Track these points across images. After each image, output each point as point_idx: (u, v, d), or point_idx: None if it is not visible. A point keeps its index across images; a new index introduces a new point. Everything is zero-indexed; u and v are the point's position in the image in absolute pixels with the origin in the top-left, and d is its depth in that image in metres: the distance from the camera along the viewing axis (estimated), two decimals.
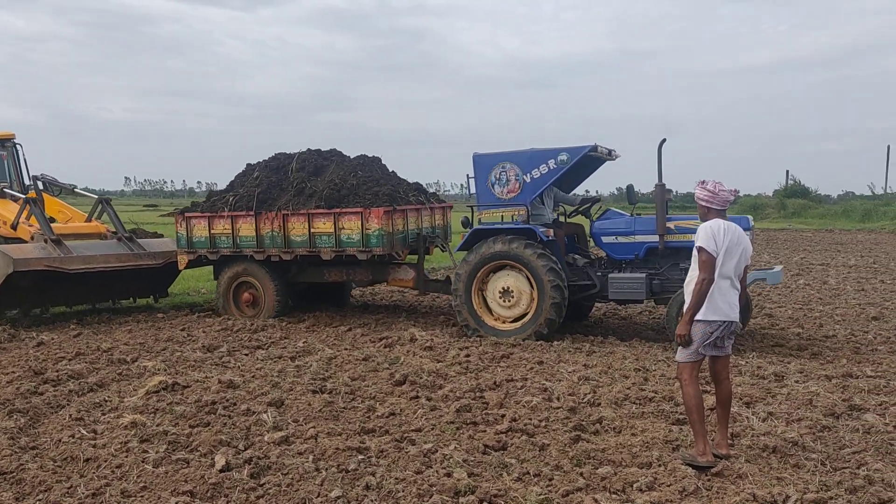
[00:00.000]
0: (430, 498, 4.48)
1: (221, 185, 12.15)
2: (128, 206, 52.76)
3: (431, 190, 12.87)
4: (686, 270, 8.45)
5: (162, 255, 11.87)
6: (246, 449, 5.33)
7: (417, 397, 6.71)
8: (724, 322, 5.03)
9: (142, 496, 4.55)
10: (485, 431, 5.76)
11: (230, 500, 4.50)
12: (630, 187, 10.34)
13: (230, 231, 10.90)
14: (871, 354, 8.57)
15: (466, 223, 10.06)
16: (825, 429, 5.77)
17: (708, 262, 4.92)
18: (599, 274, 9.46)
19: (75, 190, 13.78)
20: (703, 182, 5.22)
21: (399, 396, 6.78)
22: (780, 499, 4.43)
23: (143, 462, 5.08)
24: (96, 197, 13.02)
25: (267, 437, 5.59)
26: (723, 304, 5.01)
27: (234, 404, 6.46)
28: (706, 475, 4.81)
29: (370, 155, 11.61)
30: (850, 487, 4.61)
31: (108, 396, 6.82)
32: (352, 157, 11.44)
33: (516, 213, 9.61)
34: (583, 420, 6.00)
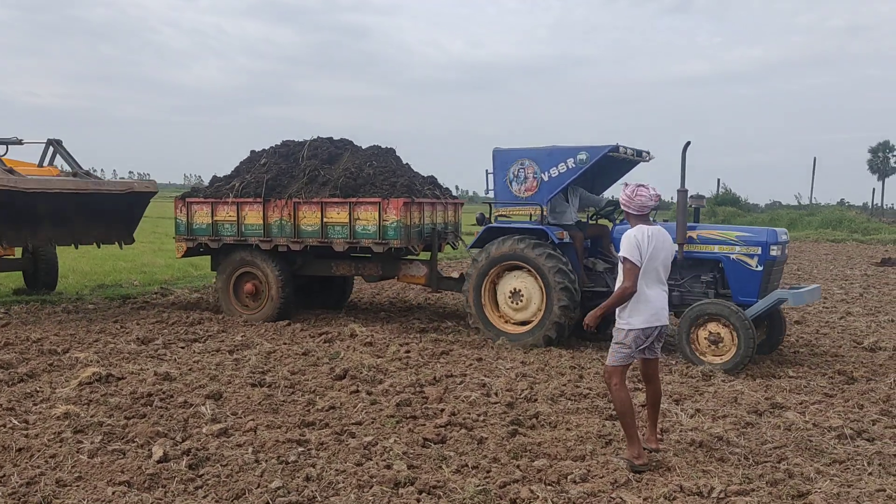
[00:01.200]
0: (370, 489, 4.54)
1: (157, 177, 11.74)
2: None
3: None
4: (707, 284, 8.58)
5: (123, 184, 11.21)
6: (184, 440, 5.29)
7: (358, 391, 6.76)
8: (655, 328, 5.15)
9: (77, 486, 4.48)
10: (424, 425, 5.84)
11: (168, 491, 4.47)
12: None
13: (235, 218, 10.39)
14: (792, 357, 8.96)
15: (482, 220, 9.72)
16: (749, 425, 6.04)
17: (632, 272, 4.98)
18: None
19: (23, 142, 12.27)
20: (625, 186, 5.25)
21: (339, 391, 6.81)
22: (706, 490, 4.64)
23: (77, 452, 4.99)
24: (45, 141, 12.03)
25: (205, 429, 5.55)
26: (653, 311, 5.11)
27: (171, 396, 6.39)
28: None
29: (383, 146, 11.17)
30: (771, 480, 4.85)
31: (40, 387, 6.66)
32: (364, 147, 11.06)
33: (532, 212, 9.43)
34: (520, 415, 6.14)
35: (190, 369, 7.40)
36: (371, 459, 5.07)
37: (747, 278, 8.29)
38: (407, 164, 11.17)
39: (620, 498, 4.47)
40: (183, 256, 11.11)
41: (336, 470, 4.84)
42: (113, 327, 9.59)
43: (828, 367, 8.30)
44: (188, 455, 4.96)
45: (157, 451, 4.94)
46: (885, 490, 4.70)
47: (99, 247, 11.94)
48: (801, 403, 6.72)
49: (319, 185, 10.13)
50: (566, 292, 8.73)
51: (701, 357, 8.01)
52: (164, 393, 6.46)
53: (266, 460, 4.96)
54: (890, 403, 6.76)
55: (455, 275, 11.28)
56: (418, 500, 4.41)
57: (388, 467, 4.88)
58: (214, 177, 11.21)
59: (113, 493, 4.33)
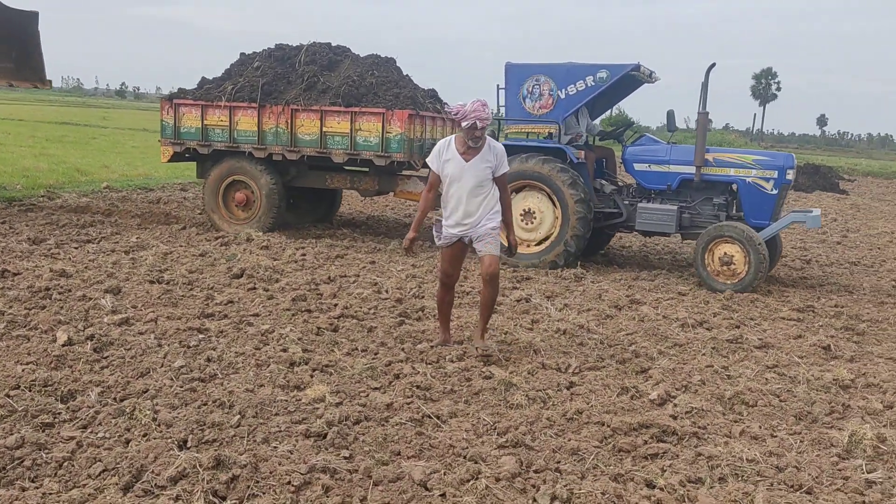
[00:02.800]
0: (268, 367, 5.00)
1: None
2: None
3: None
4: (719, 206, 8.66)
5: None
6: (86, 328, 5.55)
7: (255, 288, 7.13)
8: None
9: None
10: (318, 317, 6.30)
11: (74, 370, 4.77)
12: (671, 113, 9.34)
13: (227, 123, 9.95)
14: (657, 263, 9.92)
15: (493, 137, 9.40)
16: (608, 317, 6.85)
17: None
18: (627, 202, 9.03)
19: None
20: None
21: (237, 288, 7.15)
22: (564, 367, 5.36)
23: None
24: None
25: (106, 319, 5.82)
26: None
27: (69, 291, 6.57)
28: (507, 347, 5.66)
29: (383, 55, 10.75)
30: (620, 359, 5.63)
31: None
32: (362, 55, 10.69)
33: (546, 130, 9.09)
34: (407, 309, 6.71)
35: (86, 267, 7.54)
36: (268, 344, 5.51)
37: (762, 201, 8.43)
38: (407, 75, 10.85)
39: (490, 372, 5.12)
40: (169, 161, 10.63)
41: (235, 352, 5.26)
42: (1, 228, 9.47)
43: (684, 270, 9.28)
44: (92, 340, 5.25)
45: (62, 337, 5.20)
46: (712, 366, 5.56)
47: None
48: (656, 300, 7.60)
49: (319, 93, 9.83)
50: (583, 222, 8.70)
51: (714, 277, 8.20)
52: (61, 287, 6.62)
53: (168, 345, 5.32)
54: (732, 301, 7.73)
55: None
56: (311, 376, 4.90)
57: (284, 350, 5.34)
58: (203, 78, 10.73)
59: (22, 370, 4.60)
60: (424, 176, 9.84)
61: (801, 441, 4.35)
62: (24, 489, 3.34)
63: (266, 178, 10.02)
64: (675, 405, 4.76)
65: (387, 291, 7.27)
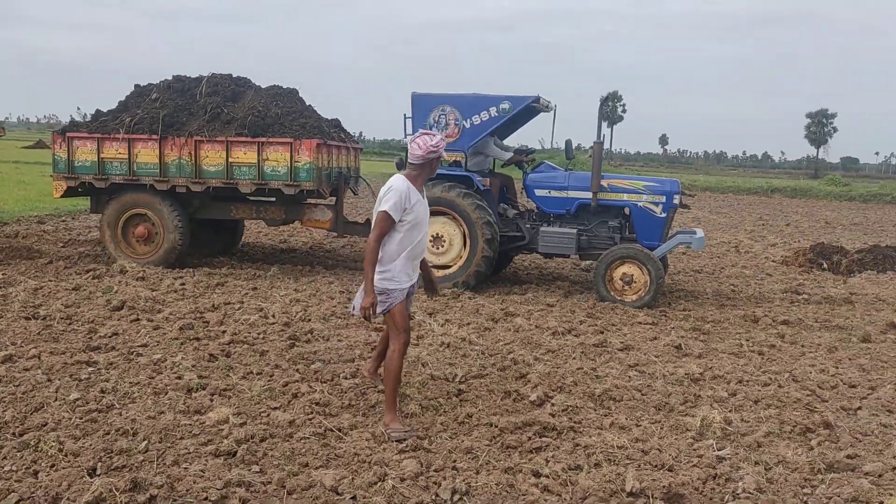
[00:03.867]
0: (166, 395, 5.10)
1: None
2: None
3: None
4: (614, 229, 9.16)
5: None
6: None
7: (138, 320, 7.11)
8: None
9: None
10: (208, 344, 6.39)
11: None
12: (568, 142, 9.93)
13: (126, 156, 9.63)
14: (526, 278, 10.59)
15: (401, 165, 9.37)
16: (487, 329, 7.35)
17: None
18: (528, 226, 9.46)
19: None
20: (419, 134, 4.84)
21: (118, 320, 7.09)
22: (451, 377, 5.78)
23: None
24: None
25: None
26: None
27: None
28: None
29: (284, 86, 10.72)
30: (501, 367, 6.11)
31: None
32: (264, 86, 10.62)
33: (453, 158, 9.37)
34: (296, 332, 6.91)
35: None
36: (161, 373, 5.58)
37: (652, 224, 9.06)
38: (310, 105, 10.88)
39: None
40: (62, 196, 10.18)
41: (129, 382, 5.31)
42: None
43: (551, 283, 9.99)
44: None
45: None
46: (582, 368, 6.15)
47: None
48: (528, 312, 8.19)
49: (223, 124, 9.72)
50: (490, 244, 9.06)
51: (617, 296, 8.70)
52: None
53: (59, 379, 5.30)
54: (595, 310, 8.44)
55: (361, 220, 11.18)
56: (211, 400, 5.05)
57: (179, 378, 5.45)
58: (98, 111, 10.36)
59: None
60: (329, 204, 10.16)
61: (661, 428, 4.96)
62: None
63: (168, 211, 9.84)
64: (553, 404, 5.27)
65: (273, 316, 7.43)
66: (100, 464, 3.97)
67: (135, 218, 10.01)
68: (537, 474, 4.15)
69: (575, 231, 9.17)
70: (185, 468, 3.99)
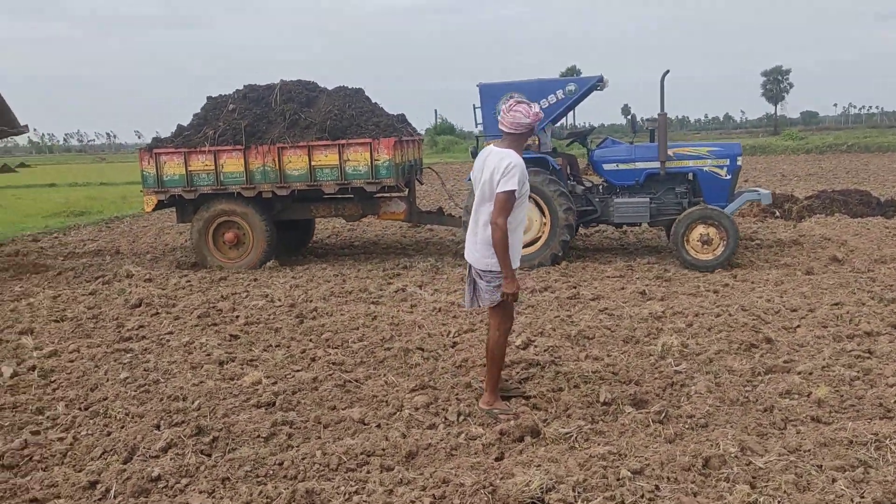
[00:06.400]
0: (203, 368, 5.87)
1: None
2: None
3: None
4: (681, 195, 9.69)
5: None
6: (23, 362, 6.14)
7: (158, 314, 7.84)
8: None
9: None
10: (226, 327, 7.17)
11: (29, 396, 5.42)
12: (633, 116, 10.19)
13: (213, 167, 10.14)
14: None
15: (475, 154, 9.60)
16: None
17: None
18: (598, 200, 9.97)
19: None
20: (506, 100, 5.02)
21: (140, 315, 7.83)
22: (446, 333, 6.60)
23: None
24: None
25: (36, 354, 6.41)
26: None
27: None
28: (397, 327, 6.84)
29: (350, 87, 11.18)
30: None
31: None
32: (330, 88, 11.05)
33: (527, 142, 10.01)
34: (302, 311, 7.69)
35: None
36: (193, 353, 6.35)
37: (719, 186, 9.61)
38: (376, 103, 11.28)
39: (399, 348, 6.22)
40: (153, 210, 10.72)
41: (168, 361, 6.08)
42: None
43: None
44: (34, 370, 5.89)
45: (7, 371, 5.81)
46: (559, 316, 7.00)
47: None
48: None
49: (302, 129, 10.17)
50: (569, 228, 9.56)
51: (696, 256, 9.12)
52: None
53: (105, 364, 6.05)
54: (567, 269, 9.30)
55: (434, 209, 11.79)
56: (243, 370, 5.83)
57: (209, 354, 6.22)
58: (179, 125, 10.86)
59: None
60: (403, 196, 10.66)
61: (628, 355, 5.84)
62: (40, 477, 4.11)
63: (256, 216, 10.36)
64: (536, 346, 6.14)
65: (279, 300, 8.21)
66: (162, 421, 4.75)
67: (223, 225, 10.55)
68: (527, 397, 5.01)
69: (647, 199, 9.68)
70: (236, 417, 4.79)
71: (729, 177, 9.70)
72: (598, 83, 9.88)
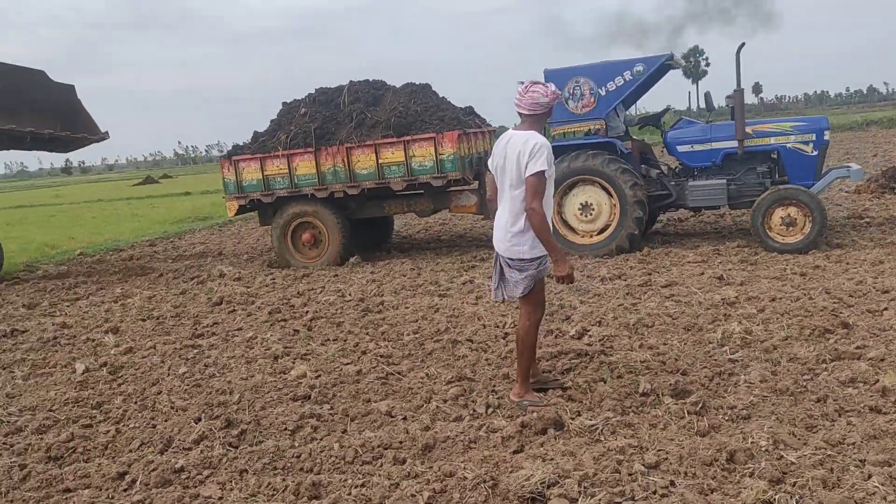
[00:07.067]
0: (256, 362, 6.02)
1: None
2: None
3: None
4: (763, 174, 9.11)
5: None
6: (98, 359, 6.53)
7: (234, 311, 8.14)
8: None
9: (20, 398, 5.68)
10: (293, 322, 7.34)
11: (96, 391, 5.74)
12: (708, 94, 9.75)
13: (286, 170, 10.49)
14: None
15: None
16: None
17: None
18: (673, 183, 9.55)
19: None
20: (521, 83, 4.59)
21: (218, 313, 8.15)
22: (501, 324, 6.45)
23: (12, 380, 6.15)
24: None
25: (113, 351, 6.80)
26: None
27: (74, 337, 7.53)
28: (455, 315, 6.76)
29: (417, 83, 11.38)
30: (549, 312, 6.73)
31: None
32: (398, 86, 11.28)
33: (592, 127, 9.50)
34: (369, 305, 7.76)
35: (83, 318, 8.48)
36: (253, 348, 6.53)
37: (805, 163, 8.93)
38: (443, 97, 11.37)
39: (448, 340, 6.16)
40: (236, 215, 11.22)
41: (227, 357, 6.28)
42: None
43: None
44: (105, 367, 6.24)
45: (80, 368, 6.19)
46: (622, 304, 6.71)
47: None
48: (582, 265, 8.75)
49: (369, 128, 10.33)
50: (640, 204, 9.12)
51: (777, 239, 8.55)
52: (67, 335, 7.58)
53: (170, 360, 6.33)
54: (648, 255, 8.91)
55: None
56: (293, 363, 5.93)
57: (268, 349, 6.38)
58: (256, 132, 11.32)
59: (55, 394, 5.59)
60: (473, 189, 10.59)
61: (684, 343, 5.49)
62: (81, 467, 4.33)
63: (330, 216, 10.58)
64: (590, 335, 5.89)
65: (350, 295, 8.32)
66: (203, 414, 4.89)
67: (301, 226, 10.81)
68: (564, 388, 4.80)
69: (724, 181, 9.13)
70: (270, 410, 4.87)
71: (815, 153, 8.96)
72: (668, 61, 9.36)
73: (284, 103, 11.53)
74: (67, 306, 9.48)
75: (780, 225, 8.56)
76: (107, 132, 13.08)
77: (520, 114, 4.56)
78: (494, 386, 4.98)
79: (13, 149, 12.56)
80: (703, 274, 7.73)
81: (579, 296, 7.24)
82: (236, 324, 7.52)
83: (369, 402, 4.93)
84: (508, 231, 4.57)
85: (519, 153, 4.40)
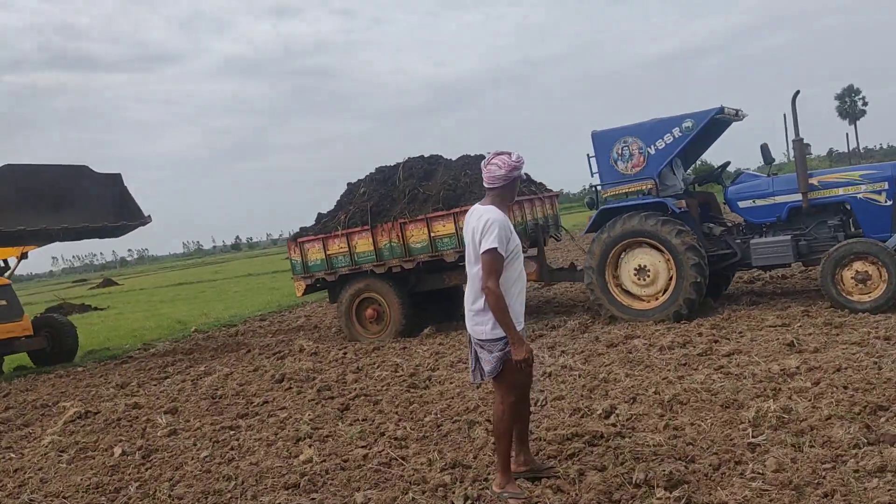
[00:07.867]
0: (275, 445, 5.97)
1: (156, 251, 13.07)
2: (57, 285, 52.56)
3: None
4: (835, 227, 8.53)
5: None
6: (139, 442, 6.71)
7: (290, 388, 8.19)
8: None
9: (51, 482, 5.89)
10: (335, 400, 7.27)
11: (125, 475, 5.86)
12: (764, 146, 9.13)
13: (346, 249, 10.82)
14: None
15: (592, 204, 9.72)
16: (598, 355, 7.47)
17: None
18: (739, 241, 9.04)
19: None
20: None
21: (276, 391, 8.23)
22: (533, 401, 6.07)
23: (57, 463, 6.42)
24: None
25: (159, 432, 6.99)
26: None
27: (136, 418, 7.82)
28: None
29: (472, 154, 11.55)
30: (590, 387, 6.28)
31: (32, 430, 8.09)
32: (454, 159, 11.51)
33: (644, 187, 9.20)
34: (416, 380, 7.58)
35: (156, 398, 8.83)
36: (284, 429, 6.49)
37: (878, 214, 8.27)
38: None
39: (466, 420, 5.86)
40: (304, 294, 11.60)
41: (255, 439, 6.28)
42: (97, 380, 11.02)
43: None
44: (141, 450, 6.40)
45: (117, 451, 6.39)
46: (667, 378, 6.14)
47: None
48: (651, 333, 8.16)
49: (421, 203, 10.58)
50: (697, 268, 8.58)
51: (848, 297, 7.90)
52: (130, 416, 7.89)
53: (201, 442, 6.40)
54: (724, 321, 8.19)
55: (566, 265, 11.71)
56: (310, 446, 5.83)
57: (296, 430, 6.32)
58: (319, 214, 11.79)
59: (80, 479, 5.77)
60: (532, 255, 10.49)
61: (712, 424, 4.91)
62: None
63: (390, 291, 10.70)
64: (617, 414, 5.40)
65: (403, 370, 8.17)
66: (196, 503, 4.87)
67: (364, 302, 10.97)
68: (557, 476, 4.39)
69: (789, 238, 8.55)
70: (260, 499, 4.77)
71: (890, 202, 8.16)
72: (718, 115, 8.80)
73: (349, 183, 11.86)
74: (154, 385, 9.93)
75: (853, 282, 7.73)
76: (149, 216, 13.89)
77: (483, 188, 4.43)
78: (489, 473, 4.63)
79: (55, 241, 13.69)
80: (774, 340, 6.98)
81: (627, 369, 6.72)
82: (284, 402, 7.55)
83: (356, 491, 4.71)
84: (470, 310, 4.33)
85: (473, 229, 4.24)
